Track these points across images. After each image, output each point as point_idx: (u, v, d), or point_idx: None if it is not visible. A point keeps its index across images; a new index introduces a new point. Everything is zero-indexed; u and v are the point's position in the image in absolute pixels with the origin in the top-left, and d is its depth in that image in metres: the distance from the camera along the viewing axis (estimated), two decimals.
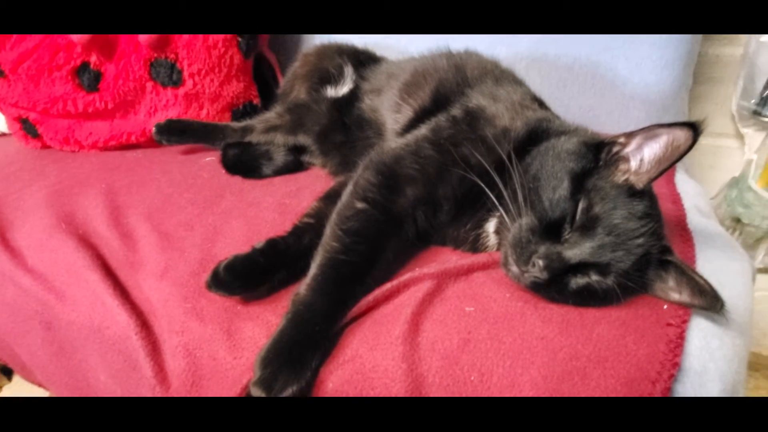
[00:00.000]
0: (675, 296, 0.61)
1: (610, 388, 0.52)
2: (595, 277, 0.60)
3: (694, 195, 0.92)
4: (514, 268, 0.62)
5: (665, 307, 0.60)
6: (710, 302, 0.57)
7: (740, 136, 1.35)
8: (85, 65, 1.10)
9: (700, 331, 0.57)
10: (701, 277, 0.58)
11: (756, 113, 1.27)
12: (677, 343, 0.54)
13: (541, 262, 0.58)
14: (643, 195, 0.63)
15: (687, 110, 1.19)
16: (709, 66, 1.32)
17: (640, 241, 0.60)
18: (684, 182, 0.96)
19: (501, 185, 0.66)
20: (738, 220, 1.36)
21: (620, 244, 0.60)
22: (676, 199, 0.86)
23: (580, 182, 0.62)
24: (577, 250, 0.59)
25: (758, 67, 1.24)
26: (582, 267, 0.60)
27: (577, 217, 0.61)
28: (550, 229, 0.61)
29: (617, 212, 0.60)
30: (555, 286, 0.60)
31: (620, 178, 0.63)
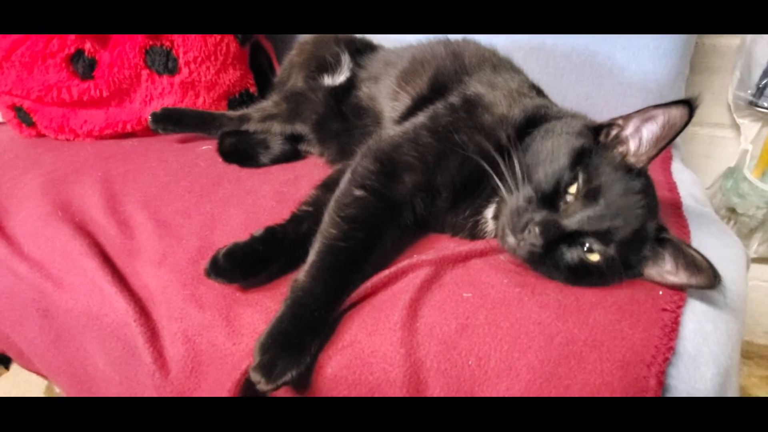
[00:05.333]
0: (671, 278, 0.61)
1: (605, 372, 0.52)
2: (596, 246, 0.60)
3: (690, 184, 0.93)
4: (510, 239, 0.62)
5: (660, 292, 0.61)
6: (708, 279, 0.57)
7: (736, 127, 1.36)
8: (79, 52, 1.09)
9: (694, 315, 0.58)
10: (698, 252, 0.59)
11: (752, 104, 1.28)
12: (672, 328, 0.55)
13: (537, 229, 0.59)
14: (640, 175, 0.64)
15: None
16: (706, 56, 1.32)
17: (639, 212, 0.61)
18: (680, 171, 0.97)
19: (502, 164, 0.66)
20: (733, 210, 1.37)
21: (618, 215, 0.61)
22: (672, 188, 0.86)
23: (579, 158, 0.63)
24: (573, 219, 0.60)
25: (755, 58, 1.24)
26: (580, 237, 0.61)
27: (576, 188, 0.62)
28: (548, 200, 0.62)
29: (615, 186, 0.62)
30: (551, 258, 0.61)
31: (619, 158, 0.64)
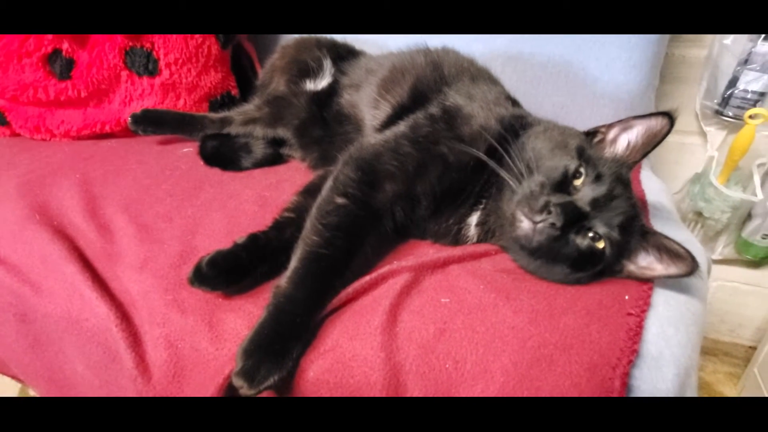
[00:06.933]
0: (650, 271, 0.66)
1: (574, 374, 0.55)
2: (602, 231, 0.65)
3: (658, 191, 0.97)
4: (525, 224, 0.65)
5: (627, 297, 0.64)
6: (687, 266, 0.62)
7: (703, 134, 1.42)
8: (56, 52, 1.07)
9: (657, 320, 0.61)
10: (678, 242, 0.64)
11: (718, 113, 1.34)
12: (636, 331, 0.59)
13: (558, 209, 0.63)
14: (629, 169, 0.71)
15: (654, 108, 1.24)
16: (675, 66, 1.38)
17: (632, 201, 0.68)
18: (648, 179, 1.01)
19: (505, 155, 0.70)
20: (700, 214, 1.43)
21: (619, 201, 0.66)
22: (641, 196, 0.90)
23: (581, 152, 0.69)
24: (585, 201, 0.66)
25: (721, 69, 1.30)
26: (587, 222, 0.65)
27: (582, 176, 0.67)
28: (558, 187, 0.67)
29: (613, 175, 0.67)
30: (562, 244, 0.65)
31: (610, 156, 0.71)
